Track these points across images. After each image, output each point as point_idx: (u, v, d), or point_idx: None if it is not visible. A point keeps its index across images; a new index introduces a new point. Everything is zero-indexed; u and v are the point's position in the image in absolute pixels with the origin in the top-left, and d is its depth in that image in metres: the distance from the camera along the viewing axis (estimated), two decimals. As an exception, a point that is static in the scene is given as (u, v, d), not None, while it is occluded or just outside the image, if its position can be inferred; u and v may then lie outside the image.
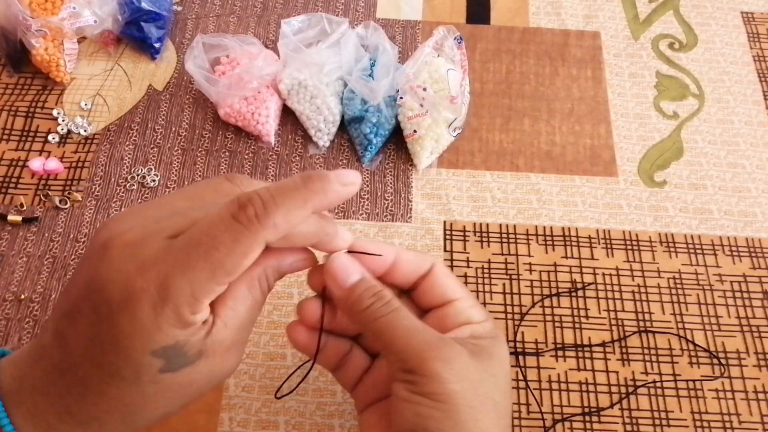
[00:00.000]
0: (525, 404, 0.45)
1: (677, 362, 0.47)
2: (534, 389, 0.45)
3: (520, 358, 0.47)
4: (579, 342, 0.47)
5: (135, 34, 0.59)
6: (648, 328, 0.48)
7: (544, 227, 0.52)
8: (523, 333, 0.48)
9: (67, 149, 0.55)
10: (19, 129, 0.56)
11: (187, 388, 0.30)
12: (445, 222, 0.52)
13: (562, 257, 0.51)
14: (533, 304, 0.49)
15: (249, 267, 0.29)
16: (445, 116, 0.53)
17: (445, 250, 0.51)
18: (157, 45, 0.60)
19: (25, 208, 0.52)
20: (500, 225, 0.52)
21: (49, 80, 0.58)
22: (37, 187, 0.53)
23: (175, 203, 0.32)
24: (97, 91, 0.58)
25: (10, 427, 0.29)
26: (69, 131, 0.56)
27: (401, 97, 0.54)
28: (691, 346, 0.47)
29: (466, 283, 0.50)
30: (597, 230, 0.52)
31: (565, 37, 0.63)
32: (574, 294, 0.49)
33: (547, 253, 0.51)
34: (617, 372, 0.46)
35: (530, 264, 0.51)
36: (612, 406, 0.45)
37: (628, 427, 0.44)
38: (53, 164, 0.53)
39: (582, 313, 0.49)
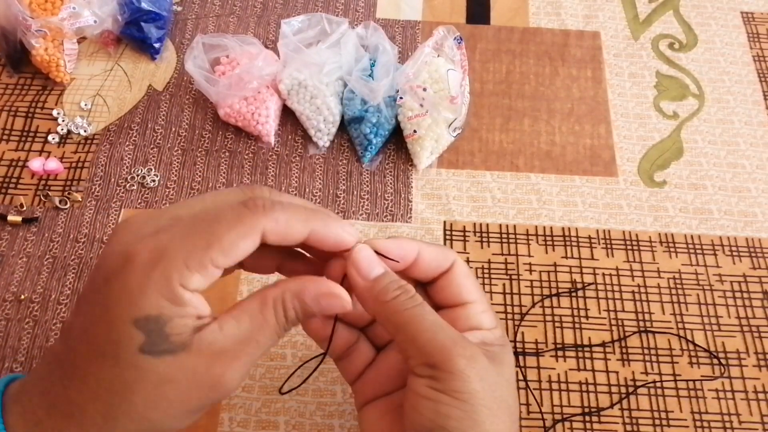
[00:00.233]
0: (525, 404, 0.45)
1: (677, 362, 0.47)
2: (534, 389, 0.45)
3: (521, 358, 0.47)
4: (579, 342, 0.47)
5: (135, 35, 0.59)
6: (648, 328, 0.48)
7: (544, 227, 0.52)
8: (523, 333, 0.48)
9: (67, 149, 0.55)
10: (19, 129, 0.56)
11: (168, 387, 0.29)
12: (445, 222, 0.52)
13: (562, 257, 0.51)
14: (533, 304, 0.49)
15: (267, 289, 0.30)
16: (445, 116, 0.53)
17: (445, 250, 0.51)
18: (157, 45, 0.60)
19: (25, 208, 0.52)
20: (500, 225, 0.52)
21: (49, 80, 0.58)
22: (37, 187, 0.53)
23: (181, 202, 0.33)
24: (97, 92, 0.58)
25: (1, 426, 0.29)
26: (69, 131, 0.56)
27: (401, 97, 0.54)
28: (691, 346, 0.47)
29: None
30: (597, 230, 0.52)
31: (565, 37, 0.63)
32: (574, 294, 0.49)
33: (547, 253, 0.51)
34: (617, 372, 0.46)
35: (530, 264, 0.51)
36: (612, 406, 0.45)
37: (628, 427, 0.44)
38: (53, 164, 0.53)
39: (582, 313, 0.49)
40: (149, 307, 0.28)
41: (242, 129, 0.56)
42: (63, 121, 0.56)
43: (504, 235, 0.52)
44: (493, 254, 0.51)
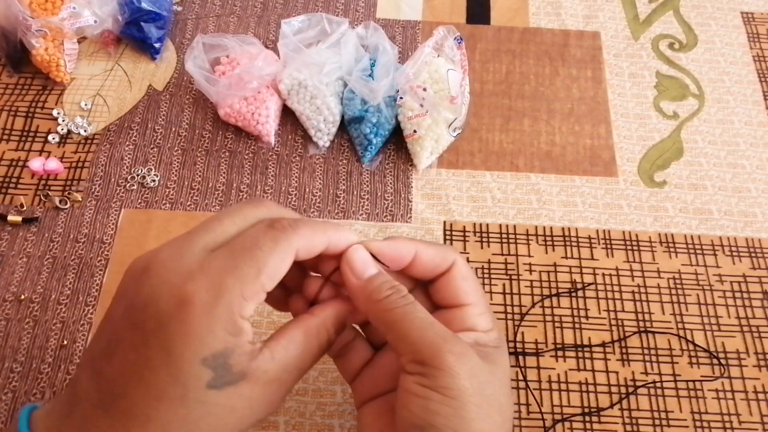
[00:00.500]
0: (525, 404, 0.45)
1: (677, 362, 0.47)
2: (534, 389, 0.45)
3: (520, 358, 0.47)
4: (579, 342, 0.47)
5: (135, 34, 0.59)
6: (648, 329, 0.48)
7: (544, 227, 0.52)
8: (523, 333, 0.48)
9: (67, 149, 0.55)
10: (19, 129, 0.56)
11: (228, 416, 0.30)
12: (445, 222, 0.52)
13: (562, 257, 0.51)
14: (533, 305, 0.49)
15: (308, 318, 0.33)
16: (445, 116, 0.53)
17: (445, 251, 0.51)
18: (157, 45, 0.60)
19: (25, 208, 0.52)
20: (500, 225, 0.52)
21: (49, 80, 0.58)
22: (37, 187, 0.53)
23: (200, 231, 0.33)
24: (97, 91, 0.58)
25: None
26: (69, 131, 0.56)
27: (401, 98, 0.54)
28: (691, 347, 0.47)
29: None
30: (597, 230, 0.52)
31: (565, 37, 0.63)
32: (574, 294, 0.49)
33: (547, 253, 0.51)
34: (617, 372, 0.46)
35: (530, 264, 0.51)
36: (612, 406, 0.45)
37: (628, 428, 0.44)
38: (53, 164, 0.53)
39: (582, 313, 0.49)
40: (216, 344, 0.29)
41: (242, 129, 0.56)
42: (63, 121, 0.56)
43: (504, 235, 0.52)
44: (493, 254, 0.51)
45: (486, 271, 0.50)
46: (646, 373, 0.46)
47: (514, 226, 0.52)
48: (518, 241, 0.52)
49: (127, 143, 0.55)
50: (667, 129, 0.58)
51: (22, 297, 0.48)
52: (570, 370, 0.46)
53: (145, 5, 0.58)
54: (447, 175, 0.55)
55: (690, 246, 0.52)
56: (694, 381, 0.46)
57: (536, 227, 0.52)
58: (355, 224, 0.52)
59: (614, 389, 0.46)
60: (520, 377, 0.46)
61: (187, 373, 0.28)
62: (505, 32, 0.63)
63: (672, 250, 0.52)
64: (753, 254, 0.51)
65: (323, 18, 0.56)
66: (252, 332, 0.30)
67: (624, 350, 0.47)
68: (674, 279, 0.50)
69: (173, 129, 0.56)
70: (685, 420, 0.45)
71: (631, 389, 0.46)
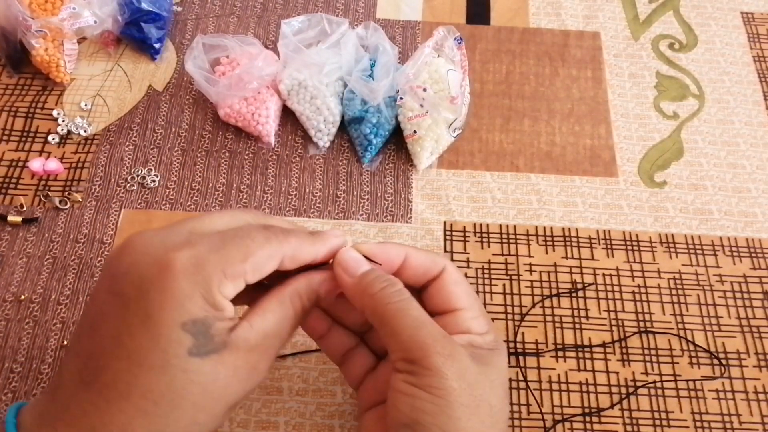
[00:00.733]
0: (525, 405, 0.45)
1: (677, 363, 0.47)
2: (534, 390, 0.45)
3: (520, 358, 0.47)
4: (579, 342, 0.47)
5: (135, 35, 0.59)
6: (648, 329, 0.48)
7: (544, 228, 0.52)
8: (523, 333, 0.48)
9: (67, 150, 0.55)
10: (19, 129, 0.56)
11: (213, 385, 0.30)
12: (445, 222, 0.52)
13: (563, 258, 0.51)
14: (533, 305, 0.49)
15: (280, 288, 0.33)
16: (445, 117, 0.53)
17: (445, 251, 0.51)
18: (157, 45, 0.60)
19: (25, 208, 0.52)
20: (500, 225, 0.52)
21: (49, 81, 0.58)
22: (37, 187, 0.53)
23: (189, 219, 0.33)
24: (97, 92, 0.58)
25: None
26: (69, 132, 0.56)
27: (401, 98, 0.54)
28: (692, 347, 0.47)
29: (466, 283, 0.49)
30: (597, 231, 0.52)
31: (565, 37, 0.63)
32: (574, 294, 0.49)
33: (547, 253, 0.51)
34: (617, 372, 0.46)
35: (530, 264, 0.50)
36: (612, 406, 0.45)
37: (629, 428, 0.44)
38: (53, 165, 0.53)
39: (582, 313, 0.49)
40: (197, 310, 0.29)
41: (242, 129, 0.56)
42: (63, 121, 0.56)
43: (504, 236, 0.52)
44: (494, 254, 0.51)
45: (486, 271, 0.50)
46: (647, 374, 0.46)
47: (515, 227, 0.52)
48: (518, 241, 0.52)
49: (127, 143, 0.55)
50: (667, 129, 0.58)
51: (22, 297, 0.48)
52: (570, 370, 0.46)
53: (145, 5, 0.58)
54: (447, 175, 0.55)
55: (690, 246, 0.52)
56: (694, 381, 0.46)
57: (536, 227, 0.52)
58: (355, 224, 0.52)
59: (614, 389, 0.46)
60: (521, 377, 0.46)
61: (167, 337, 0.28)
62: (505, 32, 0.63)
63: (672, 250, 0.52)
64: (753, 254, 0.51)
65: (323, 18, 0.56)
66: (233, 312, 0.31)
67: (624, 350, 0.47)
68: (674, 279, 0.50)
69: (173, 129, 0.56)
70: (686, 420, 0.45)
71: (631, 389, 0.46)
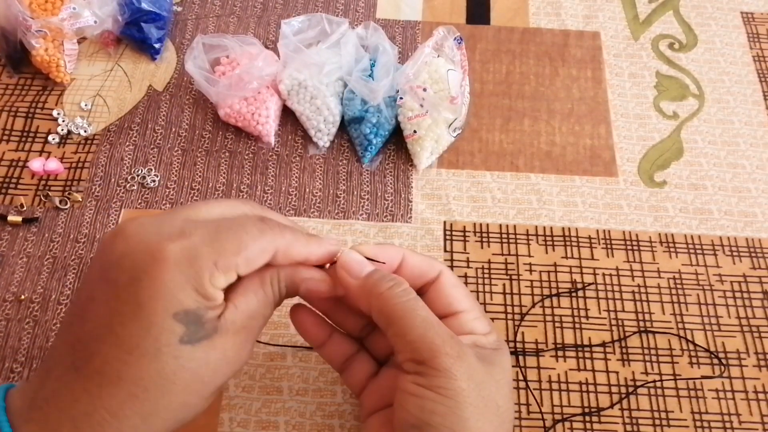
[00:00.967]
0: (525, 404, 0.45)
1: (677, 362, 0.47)
2: (534, 389, 0.45)
3: (520, 358, 0.47)
4: (579, 342, 0.47)
5: (135, 35, 0.59)
6: (648, 329, 0.48)
7: (544, 227, 0.52)
8: (523, 333, 0.48)
9: (67, 150, 0.55)
10: (19, 129, 0.56)
11: (203, 369, 0.30)
12: (445, 222, 0.52)
13: (562, 257, 0.51)
14: (533, 305, 0.49)
15: (262, 270, 0.32)
16: (445, 117, 0.53)
17: (445, 251, 0.51)
18: (157, 45, 0.60)
19: (25, 208, 0.52)
20: (500, 225, 0.52)
21: (49, 81, 0.58)
22: (37, 187, 0.53)
23: (184, 207, 0.33)
24: (97, 92, 0.58)
25: None
26: (69, 132, 0.56)
27: (401, 98, 0.54)
28: (691, 346, 0.47)
29: (466, 283, 0.50)
30: (597, 230, 0.52)
31: (565, 37, 0.63)
32: (574, 294, 0.49)
33: (547, 253, 0.51)
34: (617, 372, 0.46)
35: (530, 264, 0.50)
36: (612, 406, 0.45)
37: (629, 428, 0.44)
38: (53, 165, 0.53)
39: (582, 313, 0.49)
40: (189, 301, 0.29)
41: (242, 129, 0.56)
42: (63, 121, 0.56)
43: (504, 236, 0.52)
44: (493, 254, 0.51)
45: (486, 271, 0.50)
46: (647, 373, 0.46)
47: (515, 226, 0.52)
48: (518, 241, 0.52)
49: (127, 143, 0.55)
50: (667, 129, 0.58)
51: (22, 297, 0.48)
52: (570, 370, 0.46)
53: (145, 5, 0.58)
54: (447, 175, 0.55)
55: (690, 246, 0.52)
56: (694, 381, 0.46)
57: (536, 227, 0.52)
58: (355, 224, 0.52)
59: (614, 389, 0.46)
60: (521, 377, 0.46)
61: (159, 326, 0.28)
62: (505, 32, 0.63)
63: (672, 250, 0.52)
64: (753, 254, 0.51)
65: (323, 18, 0.56)
66: (223, 299, 0.31)
67: (624, 350, 0.47)
68: (674, 279, 0.50)
69: (173, 129, 0.56)
70: (686, 420, 0.45)
71: (631, 389, 0.46)
